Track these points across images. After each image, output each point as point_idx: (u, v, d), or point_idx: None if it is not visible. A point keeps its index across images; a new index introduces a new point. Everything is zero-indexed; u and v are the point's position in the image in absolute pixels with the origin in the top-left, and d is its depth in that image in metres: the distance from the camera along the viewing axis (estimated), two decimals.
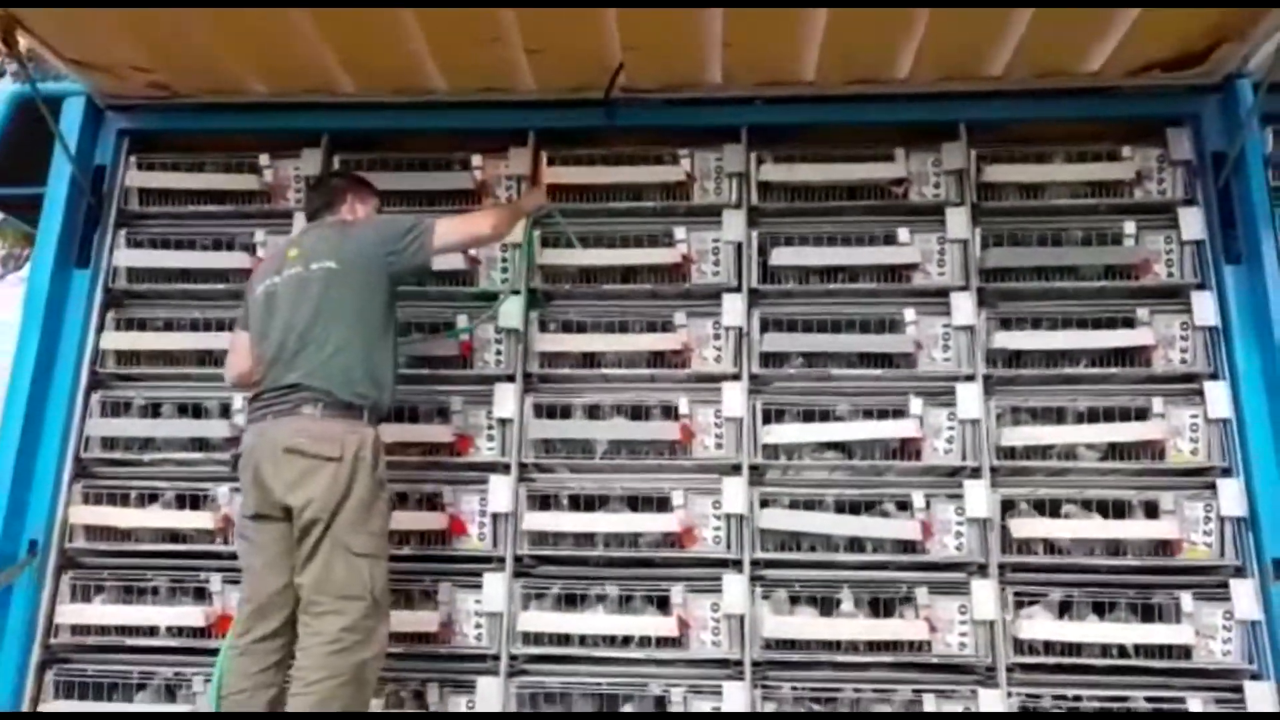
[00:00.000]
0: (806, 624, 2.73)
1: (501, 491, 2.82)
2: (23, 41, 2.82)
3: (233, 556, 2.84)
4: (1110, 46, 2.71)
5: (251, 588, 2.42)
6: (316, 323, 2.41)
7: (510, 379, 2.93)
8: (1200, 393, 2.76)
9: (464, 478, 2.88)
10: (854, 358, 2.93)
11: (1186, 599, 2.62)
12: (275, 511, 2.35)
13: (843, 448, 2.89)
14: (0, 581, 2.76)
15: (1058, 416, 2.84)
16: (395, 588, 2.72)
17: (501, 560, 2.79)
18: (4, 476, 2.88)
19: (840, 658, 2.69)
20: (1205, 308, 2.80)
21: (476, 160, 3.10)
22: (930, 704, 2.61)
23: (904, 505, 2.80)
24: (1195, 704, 2.54)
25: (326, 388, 2.36)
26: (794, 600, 2.80)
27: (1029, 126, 3.04)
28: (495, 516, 2.82)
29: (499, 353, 2.99)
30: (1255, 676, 2.56)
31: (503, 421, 2.89)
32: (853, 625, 2.70)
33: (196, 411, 3.02)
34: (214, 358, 3.01)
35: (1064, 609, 2.72)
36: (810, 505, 2.84)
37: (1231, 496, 2.66)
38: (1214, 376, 2.77)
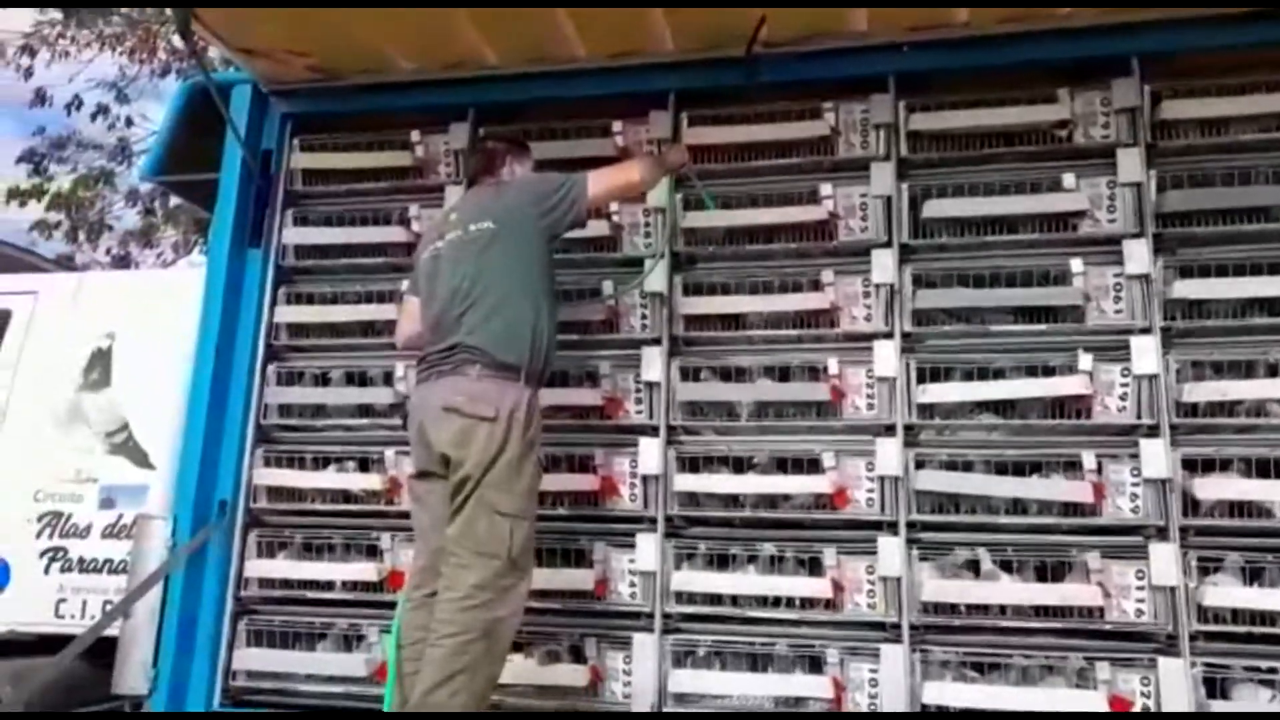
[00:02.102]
0: (966, 588, 2.65)
1: (651, 453, 2.85)
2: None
3: (401, 515, 3.02)
4: None
5: (421, 545, 2.54)
6: (476, 284, 2.46)
7: (656, 342, 2.95)
8: None
9: (614, 440, 2.93)
10: (1014, 313, 2.80)
11: None
12: (439, 468, 2.43)
13: (1000, 407, 2.78)
14: (197, 540, 3.02)
15: (1245, 370, 2.63)
16: (552, 546, 2.85)
17: (653, 521, 2.83)
18: (195, 443, 3.14)
19: (1004, 622, 2.61)
20: None
21: (617, 126, 3.11)
22: (1104, 672, 2.49)
23: (1072, 465, 2.66)
24: None
25: (485, 348, 2.41)
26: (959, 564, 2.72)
27: (1210, 56, 2.79)
28: (645, 478, 2.86)
29: (644, 317, 3.01)
30: None
31: (650, 385, 2.92)
32: (1020, 590, 2.60)
33: (362, 380, 3.18)
34: (376, 328, 3.19)
35: (1255, 575, 2.53)
36: (968, 466, 2.74)
37: None
38: None
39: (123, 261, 9.50)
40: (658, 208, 3.02)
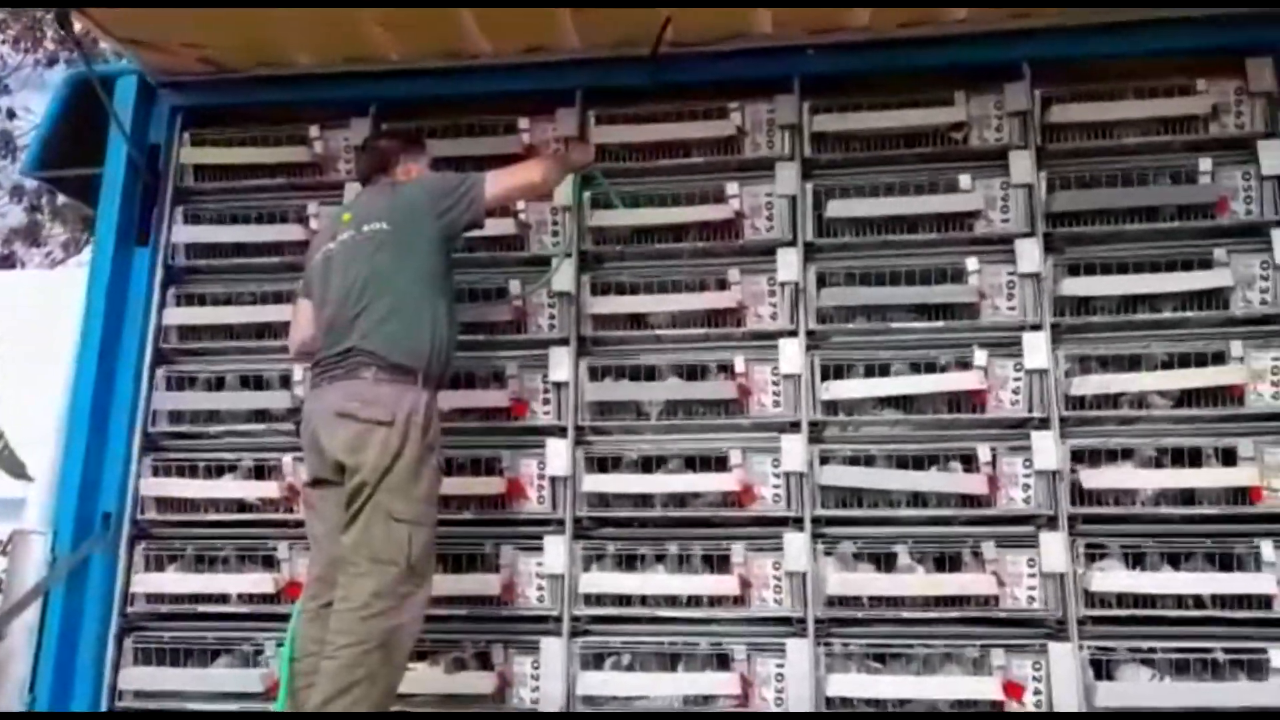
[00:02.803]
0: (870, 580, 2.69)
1: (559, 454, 2.82)
2: (78, 25, 2.86)
3: (299, 524, 2.91)
4: None
5: (316, 554, 2.46)
6: (370, 285, 2.38)
7: (564, 342, 2.92)
8: None
9: (522, 442, 2.89)
10: (914, 310, 2.87)
11: (1267, 547, 2.53)
12: (333, 475, 2.35)
13: (903, 402, 2.84)
14: (78, 554, 2.86)
15: (1129, 364, 2.75)
16: (456, 552, 2.80)
17: (561, 523, 2.80)
18: (76, 453, 2.97)
19: (905, 614, 2.66)
20: None
21: (523, 123, 3.07)
22: (999, 658, 2.56)
23: (968, 459, 2.73)
24: (1277, 655, 2.46)
25: (379, 351, 2.33)
26: (856, 557, 2.77)
27: (1096, 63, 2.91)
28: (554, 480, 2.83)
29: (552, 317, 2.98)
30: None
31: (558, 385, 2.89)
32: (919, 581, 2.66)
33: (258, 384, 3.06)
34: (273, 330, 3.07)
35: (1137, 560, 2.65)
36: (871, 461, 2.79)
37: None
38: None
39: (6, 261, 8.99)
40: (565, 206, 2.99)
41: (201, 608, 2.90)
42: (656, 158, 3.02)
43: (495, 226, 2.97)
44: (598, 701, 2.67)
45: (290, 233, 3.12)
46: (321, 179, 3.17)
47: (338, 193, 3.10)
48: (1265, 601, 2.53)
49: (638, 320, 2.96)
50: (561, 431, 2.86)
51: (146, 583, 2.92)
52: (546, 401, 2.91)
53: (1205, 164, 2.76)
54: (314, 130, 3.15)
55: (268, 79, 3.17)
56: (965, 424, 2.79)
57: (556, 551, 2.76)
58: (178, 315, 3.12)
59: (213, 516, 2.98)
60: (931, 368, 2.81)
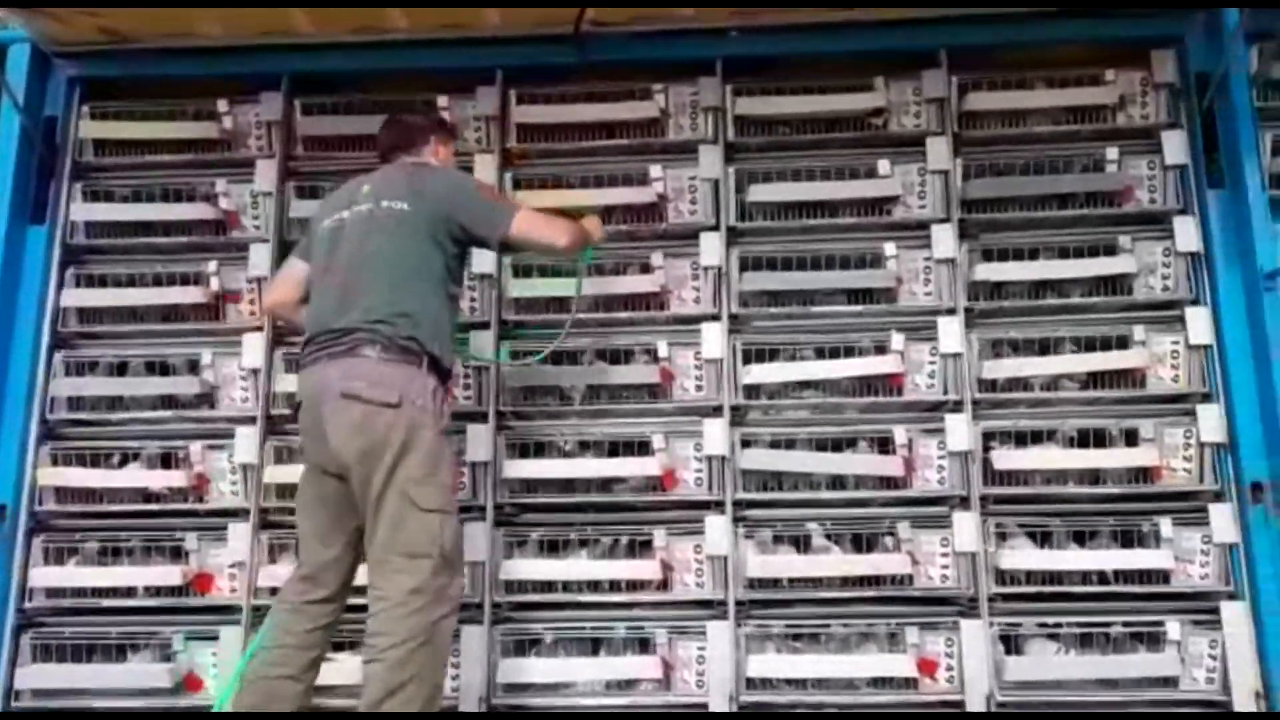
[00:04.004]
0: (789, 562, 2.72)
1: (481, 440, 2.78)
2: None
3: (209, 514, 2.85)
4: None
5: (304, 554, 2.31)
6: (380, 261, 2.25)
7: (485, 326, 2.87)
8: (1182, 319, 2.74)
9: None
10: (835, 294, 2.90)
11: (1166, 524, 2.63)
12: (331, 466, 2.20)
13: (824, 386, 2.87)
14: None
15: (1039, 348, 2.82)
16: None
17: (482, 509, 2.76)
18: None
19: (824, 594, 2.70)
20: (1187, 233, 2.76)
21: (442, 101, 3.00)
22: (913, 636, 2.62)
23: (885, 441, 2.78)
24: (1173, 627, 2.56)
25: (384, 329, 2.19)
26: (778, 540, 2.80)
27: (1010, 52, 2.97)
28: (475, 465, 2.79)
29: (473, 300, 2.93)
30: (1232, 597, 2.59)
31: (479, 369, 2.84)
32: (835, 562, 2.70)
33: (164, 369, 2.94)
34: (180, 313, 2.97)
35: (1045, 538, 2.73)
36: (791, 444, 2.82)
37: (1211, 422, 2.66)
38: (1195, 303, 2.75)
39: None
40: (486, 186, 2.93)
41: (105, 602, 2.79)
42: (579, 139, 2.99)
43: None
44: (519, 689, 2.66)
45: (197, 211, 3.01)
46: (231, 155, 3.05)
47: (248, 170, 3.00)
48: (1164, 576, 2.64)
49: (560, 303, 2.92)
50: (483, 417, 2.82)
51: (46, 577, 2.80)
52: (468, 387, 2.86)
53: (1112, 153, 2.84)
54: (223, 105, 3.03)
55: (173, 51, 3.04)
56: (883, 407, 2.83)
57: (478, 538, 2.73)
58: (77, 297, 2.98)
59: (116, 507, 2.86)
60: (851, 352, 2.84)
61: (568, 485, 2.80)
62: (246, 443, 2.81)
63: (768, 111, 2.95)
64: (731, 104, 2.95)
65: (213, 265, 2.95)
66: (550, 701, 2.65)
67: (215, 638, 2.72)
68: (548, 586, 2.74)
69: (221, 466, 2.85)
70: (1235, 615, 2.56)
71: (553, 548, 2.78)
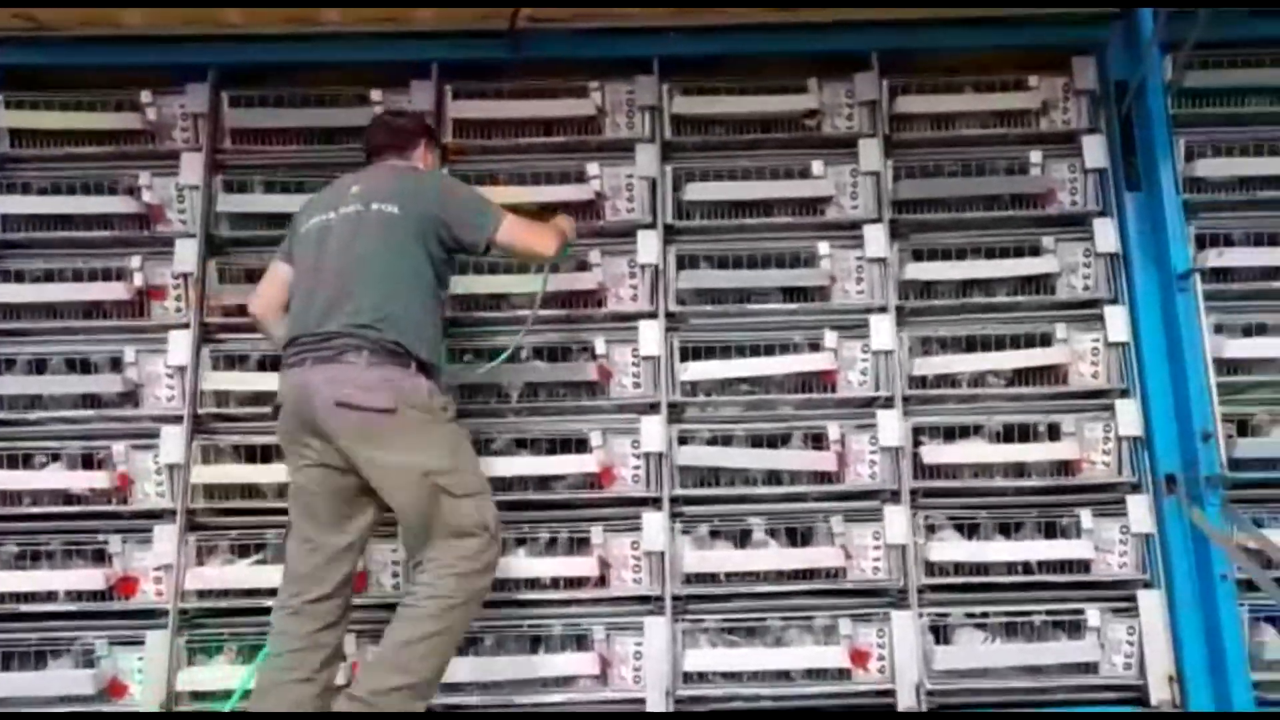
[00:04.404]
0: (725, 557, 2.75)
1: None
2: None
3: (133, 515, 2.78)
4: None
5: (304, 552, 2.25)
6: (368, 266, 2.23)
7: None
8: (1101, 318, 2.84)
9: None
10: (771, 292, 2.93)
11: (1086, 516, 2.72)
12: (336, 461, 2.18)
13: (760, 382, 2.91)
14: None
15: (967, 345, 2.90)
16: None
17: None
18: None
19: (760, 588, 2.74)
20: (1106, 235, 2.86)
21: (376, 95, 2.96)
22: (846, 628, 2.67)
23: (819, 437, 2.82)
24: (1093, 615, 2.65)
25: (372, 335, 2.18)
26: (714, 535, 2.83)
27: (940, 57, 3.04)
28: None
29: None
30: (1148, 585, 2.69)
31: None
32: (770, 556, 2.74)
33: (85, 367, 2.86)
34: (102, 309, 2.89)
35: (972, 530, 2.81)
36: (728, 441, 2.85)
37: (1129, 417, 2.76)
38: (1114, 302, 2.84)
39: None
40: None
41: (24, 607, 2.70)
42: (516, 135, 2.97)
43: None
44: (460, 688, 2.64)
45: (120, 205, 2.92)
46: (155, 148, 2.98)
47: (172, 163, 2.92)
48: (1084, 566, 2.73)
49: (498, 301, 2.91)
50: None
51: None
52: None
53: (1036, 156, 2.93)
54: (146, 96, 2.95)
55: (95, 39, 2.95)
56: (817, 403, 2.87)
57: None
58: None
59: (36, 509, 2.77)
60: (786, 349, 2.88)
61: (505, 483, 2.78)
62: (172, 442, 2.74)
63: (704, 111, 2.98)
64: (668, 103, 2.97)
65: (136, 260, 2.87)
66: (487, 700, 2.64)
67: (140, 642, 2.65)
68: None
69: (146, 467, 2.78)
70: (1151, 603, 2.66)
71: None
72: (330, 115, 2.97)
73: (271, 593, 2.61)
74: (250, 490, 2.79)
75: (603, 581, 2.74)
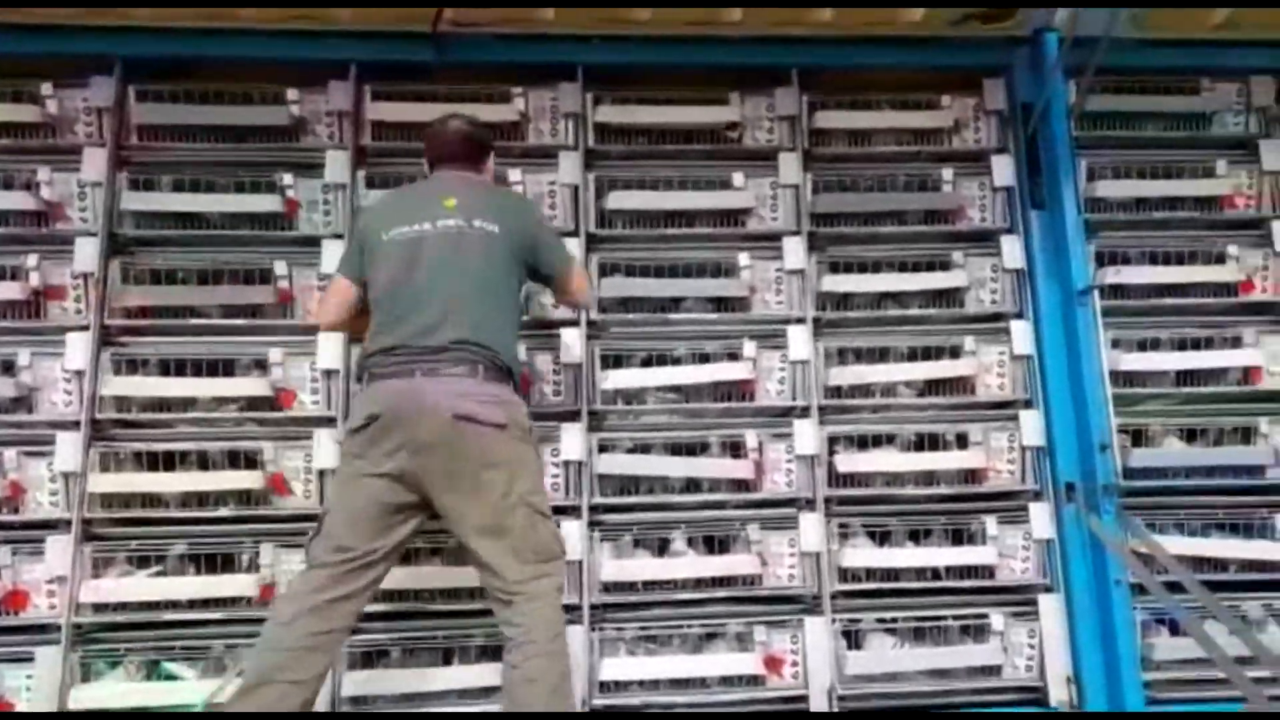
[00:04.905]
0: (643, 566, 2.76)
1: (327, 447, 2.69)
2: None
3: (26, 526, 2.67)
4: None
5: (333, 557, 2.14)
6: (476, 284, 2.26)
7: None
8: (1007, 331, 2.94)
9: (287, 433, 2.73)
10: (691, 302, 2.96)
11: (991, 523, 2.82)
12: (414, 472, 2.15)
13: (681, 391, 2.92)
14: None
15: (880, 356, 2.96)
16: (211, 552, 2.62)
17: None
18: None
19: (676, 595, 2.75)
20: (1013, 251, 2.96)
21: (292, 94, 2.89)
22: (761, 634, 2.70)
23: (738, 445, 2.86)
24: (997, 618, 2.74)
25: (485, 353, 2.21)
26: (636, 544, 2.83)
27: (858, 74, 3.10)
28: (321, 473, 2.70)
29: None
30: (1048, 590, 2.79)
31: (329, 373, 2.75)
32: (688, 564, 2.75)
33: None
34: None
35: (884, 537, 2.87)
36: (647, 449, 2.86)
37: (1032, 427, 2.87)
38: (1019, 316, 2.95)
39: None
40: (337, 183, 2.85)
41: None
42: None
43: (259, 203, 2.83)
44: (365, 701, 2.59)
45: (17, 201, 2.80)
46: (55, 142, 2.85)
47: (74, 158, 2.81)
48: (989, 571, 2.82)
49: None
50: (331, 422, 2.73)
51: None
52: (315, 391, 2.77)
53: (947, 174, 3.02)
54: (47, 88, 2.83)
55: None
56: (736, 412, 2.90)
57: None
58: None
59: None
60: (705, 358, 2.91)
61: None
62: (68, 449, 2.63)
63: (627, 120, 2.99)
64: (592, 111, 2.97)
65: (33, 259, 2.75)
66: (393, 710, 2.59)
67: (29, 659, 2.53)
68: (397, 596, 2.69)
69: (39, 475, 2.65)
70: (1050, 607, 2.77)
71: (404, 557, 2.70)
72: (244, 113, 2.88)
73: (172, 605, 2.57)
74: (151, 499, 2.69)
75: None
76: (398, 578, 2.65)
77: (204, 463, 2.70)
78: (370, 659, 2.64)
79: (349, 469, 2.22)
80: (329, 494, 2.30)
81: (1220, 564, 2.85)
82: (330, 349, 2.74)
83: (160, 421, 2.72)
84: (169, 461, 2.68)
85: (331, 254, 2.78)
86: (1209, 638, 2.34)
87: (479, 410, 2.15)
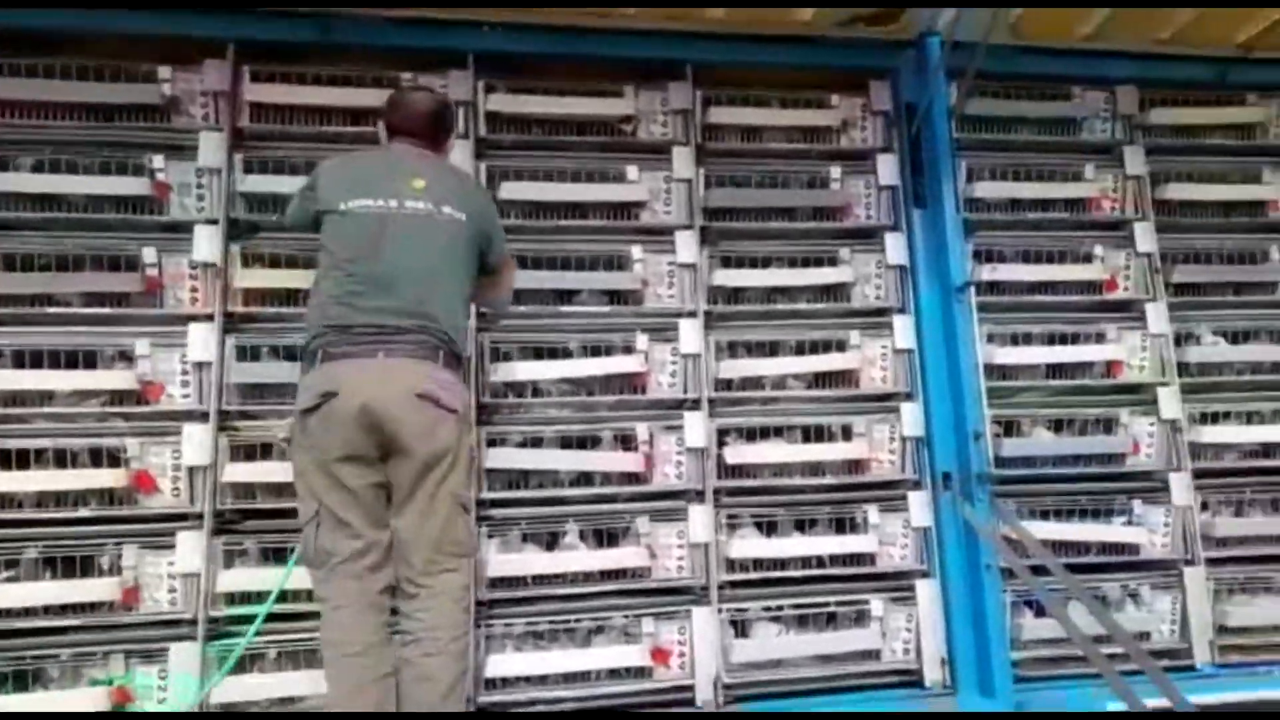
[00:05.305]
0: (530, 560, 2.74)
1: (197, 442, 2.57)
2: None
3: None
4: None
5: (361, 541, 2.17)
6: (443, 270, 2.28)
7: (209, 319, 2.67)
8: (890, 326, 3.02)
9: (152, 429, 2.61)
10: (585, 295, 2.94)
11: (873, 511, 2.90)
12: (373, 452, 2.17)
13: (573, 384, 2.91)
14: None
15: (770, 350, 3.01)
16: (69, 554, 2.49)
17: (200, 517, 2.56)
18: None
19: (565, 590, 2.74)
20: (896, 248, 3.05)
21: (165, 73, 2.75)
22: (649, 626, 2.71)
23: (629, 438, 2.86)
24: (876, 604, 2.83)
25: (444, 339, 2.25)
26: (526, 538, 2.81)
27: (750, 72, 3.14)
28: (191, 470, 2.58)
29: (194, 290, 2.70)
30: (925, 575, 2.89)
31: (199, 365, 2.64)
32: (575, 557, 2.75)
33: None
34: None
35: (771, 528, 2.92)
36: (538, 443, 2.84)
37: (912, 418, 2.96)
38: (901, 311, 3.04)
39: None
40: (211, 168, 2.72)
41: None
42: (320, 123, 2.84)
43: (126, 186, 2.70)
44: (238, 706, 2.49)
45: None
46: None
47: None
48: (870, 559, 2.90)
49: (293, 296, 2.76)
50: (202, 416, 2.61)
51: None
52: (185, 383, 2.64)
53: (835, 172, 3.09)
54: None
55: None
56: (628, 405, 2.90)
57: (192, 549, 2.53)
58: None
59: None
60: (598, 351, 2.90)
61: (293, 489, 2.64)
62: None
63: (520, 110, 2.95)
64: (484, 99, 2.92)
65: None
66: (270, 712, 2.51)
67: None
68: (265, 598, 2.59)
69: None
70: (927, 592, 2.87)
71: (279, 556, 2.62)
72: (112, 90, 2.72)
73: (26, 613, 2.43)
74: (4, 500, 2.52)
75: None
76: (269, 580, 2.55)
77: (63, 460, 2.55)
78: (244, 664, 2.54)
79: (310, 458, 2.19)
80: (302, 490, 2.22)
81: (1084, 547, 3.01)
82: (202, 340, 2.63)
83: (14, 417, 2.55)
84: (21, 460, 2.52)
85: (205, 240, 2.67)
86: (1068, 618, 2.47)
87: (440, 393, 2.19)
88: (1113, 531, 2.99)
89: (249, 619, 2.51)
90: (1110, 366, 3.13)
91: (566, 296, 2.94)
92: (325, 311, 2.22)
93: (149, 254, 2.67)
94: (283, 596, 2.49)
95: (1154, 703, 2.16)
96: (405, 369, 2.18)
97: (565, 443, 2.85)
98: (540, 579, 2.75)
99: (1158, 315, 3.14)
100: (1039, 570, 2.67)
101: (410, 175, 2.32)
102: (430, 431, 2.18)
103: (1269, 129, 3.39)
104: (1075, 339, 3.13)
